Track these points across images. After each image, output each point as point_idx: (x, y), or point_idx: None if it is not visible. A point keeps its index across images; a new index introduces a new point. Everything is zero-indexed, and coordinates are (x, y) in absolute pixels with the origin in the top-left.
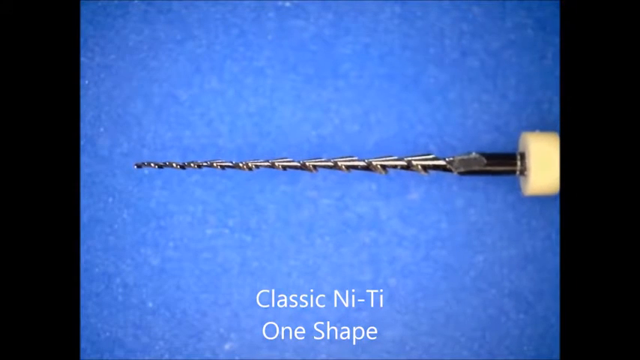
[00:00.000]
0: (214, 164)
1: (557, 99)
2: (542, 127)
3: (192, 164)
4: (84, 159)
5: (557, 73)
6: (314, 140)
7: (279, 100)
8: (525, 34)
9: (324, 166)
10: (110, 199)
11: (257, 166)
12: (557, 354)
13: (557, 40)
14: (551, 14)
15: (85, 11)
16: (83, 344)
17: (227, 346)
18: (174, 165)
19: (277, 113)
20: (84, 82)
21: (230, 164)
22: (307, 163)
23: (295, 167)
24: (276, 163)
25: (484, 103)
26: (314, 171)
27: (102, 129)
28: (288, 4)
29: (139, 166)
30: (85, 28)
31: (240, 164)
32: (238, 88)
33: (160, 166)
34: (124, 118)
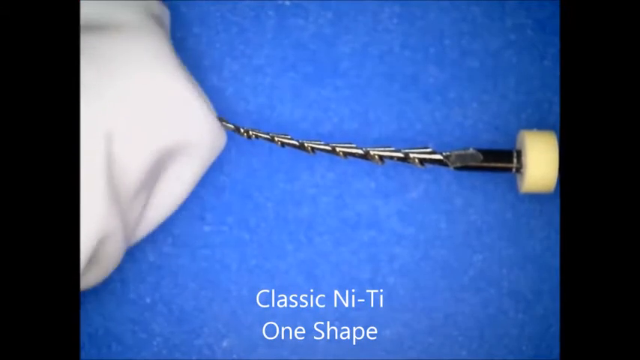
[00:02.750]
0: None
1: (556, 99)
2: (542, 128)
3: None
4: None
5: (557, 73)
6: (313, 138)
7: (279, 99)
8: (525, 35)
9: (321, 150)
10: None
11: (257, 136)
12: (556, 353)
13: (556, 40)
14: (551, 14)
15: None
16: (81, 339)
17: (225, 343)
18: None
19: (276, 111)
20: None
21: (232, 127)
22: (306, 144)
23: (294, 146)
24: (276, 138)
25: (483, 103)
26: (311, 153)
27: None
28: (287, 2)
29: None
30: None
31: (242, 130)
32: (238, 86)
33: None
34: None
